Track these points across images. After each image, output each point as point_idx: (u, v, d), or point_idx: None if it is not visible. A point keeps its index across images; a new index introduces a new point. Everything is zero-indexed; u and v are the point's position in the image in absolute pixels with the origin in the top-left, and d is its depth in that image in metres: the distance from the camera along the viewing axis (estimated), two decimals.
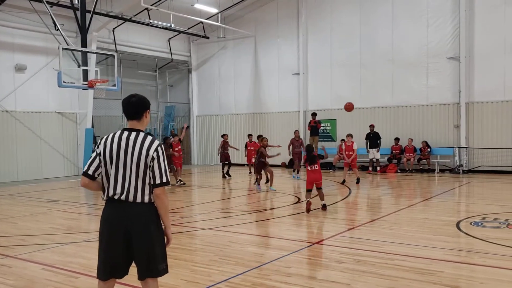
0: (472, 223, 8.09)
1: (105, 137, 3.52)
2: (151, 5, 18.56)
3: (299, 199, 11.55)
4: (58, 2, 16.98)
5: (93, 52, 16.80)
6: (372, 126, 18.20)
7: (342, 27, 19.76)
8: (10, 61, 17.02)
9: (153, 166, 3.37)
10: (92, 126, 19.43)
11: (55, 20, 15.68)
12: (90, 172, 3.45)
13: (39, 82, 17.70)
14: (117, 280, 3.75)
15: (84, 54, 15.55)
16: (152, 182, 3.38)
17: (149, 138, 3.45)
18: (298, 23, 20.90)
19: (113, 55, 16.41)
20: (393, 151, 18.27)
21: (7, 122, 17.01)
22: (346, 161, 15.10)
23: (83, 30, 15.60)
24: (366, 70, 19.24)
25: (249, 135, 18.60)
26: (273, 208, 10.45)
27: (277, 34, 21.58)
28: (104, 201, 3.51)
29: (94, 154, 3.48)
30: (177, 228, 8.33)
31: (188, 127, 21.63)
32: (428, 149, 17.61)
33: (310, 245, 6.77)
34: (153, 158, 3.36)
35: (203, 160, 24.56)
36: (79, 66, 15.36)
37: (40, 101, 17.92)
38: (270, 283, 5.07)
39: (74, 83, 15.55)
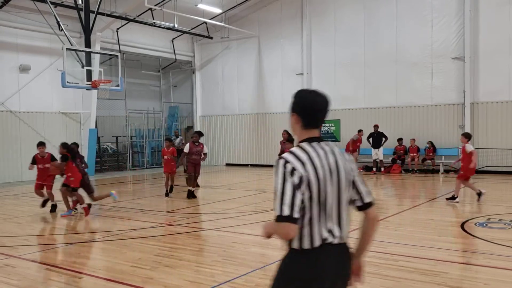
0: (476, 224, 8.04)
1: (303, 155, 2.32)
2: (155, 5, 18.58)
3: None
4: (62, 2, 17.02)
5: (96, 53, 16.83)
6: (376, 126, 18.11)
7: (346, 27, 19.71)
8: (14, 62, 17.08)
9: (357, 184, 2.51)
10: (96, 127, 19.47)
11: (59, 20, 15.72)
12: (295, 214, 2.22)
13: (43, 82, 17.74)
14: (120, 281, 3.73)
15: (88, 55, 15.57)
16: (359, 203, 2.52)
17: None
18: (301, 23, 20.87)
19: (116, 56, 16.44)
20: (397, 152, 18.20)
21: (11, 122, 17.07)
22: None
23: (87, 30, 15.63)
24: (370, 70, 19.18)
25: (168, 140, 13.48)
26: None
27: (281, 34, 21.55)
28: (300, 250, 2.34)
29: (290, 185, 2.24)
30: (180, 229, 8.33)
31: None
32: (432, 149, 17.52)
33: None
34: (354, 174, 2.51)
35: (206, 161, 24.47)
36: (82, 67, 15.38)
37: (44, 102, 17.97)
38: None
39: (78, 83, 15.58)
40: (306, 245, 2.31)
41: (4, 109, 16.84)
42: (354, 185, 2.47)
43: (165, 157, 12.71)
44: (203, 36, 22.96)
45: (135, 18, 19.82)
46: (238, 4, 21.35)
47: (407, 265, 5.61)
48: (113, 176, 19.00)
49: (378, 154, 17.93)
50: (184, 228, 8.39)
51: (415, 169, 17.68)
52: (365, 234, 2.56)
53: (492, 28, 16.69)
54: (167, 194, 12.45)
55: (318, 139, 2.43)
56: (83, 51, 15.56)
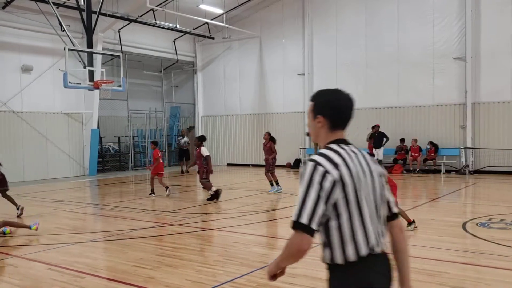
0: (478, 224, 8.04)
1: (336, 157, 2.11)
2: (157, 6, 18.61)
3: None
4: (64, 3, 17.06)
5: (98, 53, 16.87)
6: (377, 126, 18.07)
7: (347, 27, 19.71)
8: (17, 62, 17.12)
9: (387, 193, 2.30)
10: (98, 127, 19.51)
11: (61, 21, 15.76)
12: (314, 225, 2.02)
13: (45, 82, 17.78)
14: (121, 280, 3.74)
15: (90, 55, 15.61)
16: (392, 210, 2.33)
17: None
18: (303, 24, 20.87)
19: (118, 56, 16.47)
20: (398, 152, 18.19)
21: (13, 123, 17.11)
22: None
23: (89, 31, 15.67)
24: (371, 71, 19.17)
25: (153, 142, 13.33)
26: (278, 209, 10.43)
27: (282, 35, 21.56)
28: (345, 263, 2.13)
29: (315, 193, 2.01)
30: (182, 228, 8.34)
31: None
32: (434, 149, 17.50)
33: (316, 246, 6.74)
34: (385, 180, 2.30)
35: None
36: (85, 67, 15.42)
37: (46, 102, 18.01)
38: (275, 283, 5.04)
39: (80, 83, 15.62)
40: (352, 256, 2.07)
41: (6, 109, 16.89)
42: (384, 191, 2.25)
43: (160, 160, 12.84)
44: (204, 36, 22.98)
45: (137, 18, 19.86)
46: (239, 5, 21.36)
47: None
48: (115, 176, 19.04)
49: (378, 154, 17.90)
50: (186, 228, 8.41)
51: (416, 169, 17.66)
52: (403, 251, 2.32)
53: (494, 28, 16.67)
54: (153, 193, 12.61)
55: (346, 141, 2.25)
56: (85, 51, 15.60)
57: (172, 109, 25.17)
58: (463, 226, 7.93)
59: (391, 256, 2.26)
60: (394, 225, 2.32)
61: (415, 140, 17.69)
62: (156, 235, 7.90)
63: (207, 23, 21.54)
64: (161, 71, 24.63)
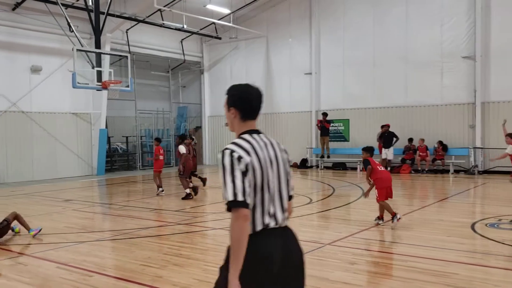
0: (487, 225, 7.98)
1: (247, 145, 2.45)
2: (164, 6, 18.67)
3: (311, 199, 11.52)
4: (73, 4, 17.18)
5: (107, 53, 16.97)
6: (387, 126, 17.97)
7: (355, 26, 19.63)
8: (26, 63, 17.26)
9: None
10: (106, 127, 19.62)
11: (69, 22, 15.88)
12: (248, 200, 2.35)
13: (54, 83, 17.91)
14: (129, 279, 3.74)
15: (98, 55, 15.70)
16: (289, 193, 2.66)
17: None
18: (310, 23, 20.83)
19: (126, 56, 16.56)
20: (407, 151, 18.08)
21: (23, 123, 17.25)
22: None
23: (97, 31, 15.76)
24: (379, 70, 19.08)
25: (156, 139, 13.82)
26: None
27: (289, 34, 21.53)
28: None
29: (239, 173, 2.36)
30: (189, 228, 8.37)
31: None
32: (441, 149, 17.36)
33: (322, 246, 6.74)
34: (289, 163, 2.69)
35: (215, 160, 24.61)
36: (93, 67, 15.51)
37: (55, 102, 18.14)
38: None
39: (88, 84, 15.72)
40: (249, 230, 2.39)
41: (16, 109, 17.04)
42: (288, 176, 2.61)
43: (161, 157, 13.11)
44: (211, 36, 23.02)
45: (144, 19, 19.94)
46: (246, 4, 21.37)
47: (417, 266, 5.58)
48: (123, 176, 19.14)
49: (388, 154, 17.80)
50: (193, 227, 8.43)
51: (425, 169, 17.55)
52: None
53: (504, 26, 16.51)
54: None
55: (258, 131, 2.57)
56: (93, 52, 15.69)
57: (179, 109, 25.25)
58: (472, 226, 7.86)
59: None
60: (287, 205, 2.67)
61: (422, 140, 17.58)
62: (163, 234, 7.93)
63: (214, 23, 21.57)
64: (168, 72, 24.71)
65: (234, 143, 2.47)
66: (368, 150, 8.29)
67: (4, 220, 7.56)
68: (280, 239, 2.48)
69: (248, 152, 2.41)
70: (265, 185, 2.45)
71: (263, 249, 2.40)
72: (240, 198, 2.31)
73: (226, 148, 2.43)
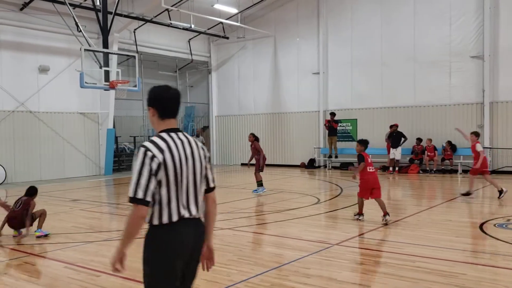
0: (496, 225, 7.91)
1: (161, 144, 2.68)
2: (172, 6, 18.72)
3: (319, 199, 11.49)
4: (81, 4, 17.27)
5: (114, 53, 17.03)
6: (395, 126, 17.88)
7: (362, 25, 19.55)
8: (34, 63, 17.38)
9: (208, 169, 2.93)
10: (114, 127, 19.70)
11: (77, 21, 15.96)
12: (148, 198, 2.61)
13: (62, 83, 18.02)
14: (136, 279, 3.77)
15: (106, 55, 15.77)
16: (209, 185, 2.94)
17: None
18: (318, 22, 20.78)
19: (134, 56, 16.62)
20: (415, 152, 17.97)
21: (30, 123, 17.38)
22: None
23: (105, 31, 15.83)
24: (387, 69, 18.99)
25: None
26: (292, 209, 10.40)
27: (297, 34, 21.49)
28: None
29: (147, 171, 2.60)
30: None
31: None
32: (450, 148, 17.23)
33: (330, 246, 6.72)
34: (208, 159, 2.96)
35: (222, 160, 24.64)
36: (100, 67, 15.58)
37: (63, 102, 18.25)
38: (289, 283, 5.04)
39: (96, 84, 15.78)
40: (165, 220, 2.67)
41: (24, 109, 17.16)
42: (205, 171, 2.86)
43: None
44: (219, 36, 23.04)
45: (152, 19, 20.00)
46: (254, 4, 21.37)
47: (424, 266, 5.54)
48: (130, 176, 19.14)
49: (396, 154, 17.72)
50: None
51: (433, 169, 17.43)
52: (210, 215, 2.95)
53: None
54: None
55: (176, 130, 2.79)
56: (101, 52, 15.76)
57: (187, 109, 25.30)
58: (480, 227, 7.80)
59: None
60: (209, 197, 2.95)
61: (430, 140, 17.47)
62: None
63: (221, 22, 21.59)
64: (176, 71, 24.77)
65: (151, 141, 2.69)
66: (363, 143, 8.44)
67: (33, 213, 7.68)
68: (192, 228, 2.76)
69: (162, 150, 2.63)
70: (179, 180, 2.68)
71: (178, 236, 2.69)
72: (140, 195, 2.57)
73: (143, 145, 2.65)
